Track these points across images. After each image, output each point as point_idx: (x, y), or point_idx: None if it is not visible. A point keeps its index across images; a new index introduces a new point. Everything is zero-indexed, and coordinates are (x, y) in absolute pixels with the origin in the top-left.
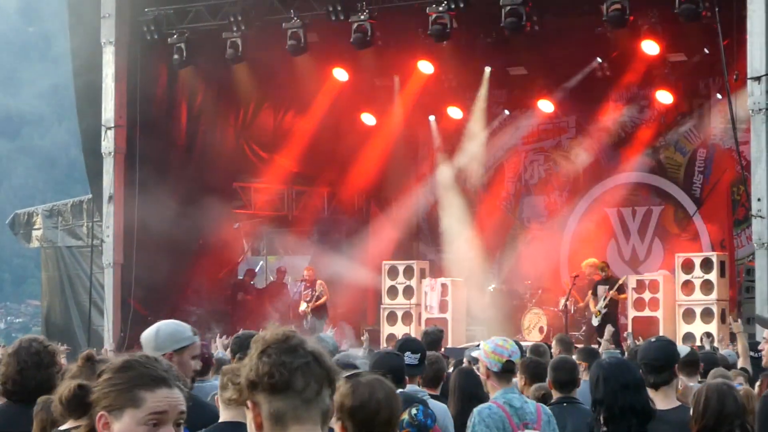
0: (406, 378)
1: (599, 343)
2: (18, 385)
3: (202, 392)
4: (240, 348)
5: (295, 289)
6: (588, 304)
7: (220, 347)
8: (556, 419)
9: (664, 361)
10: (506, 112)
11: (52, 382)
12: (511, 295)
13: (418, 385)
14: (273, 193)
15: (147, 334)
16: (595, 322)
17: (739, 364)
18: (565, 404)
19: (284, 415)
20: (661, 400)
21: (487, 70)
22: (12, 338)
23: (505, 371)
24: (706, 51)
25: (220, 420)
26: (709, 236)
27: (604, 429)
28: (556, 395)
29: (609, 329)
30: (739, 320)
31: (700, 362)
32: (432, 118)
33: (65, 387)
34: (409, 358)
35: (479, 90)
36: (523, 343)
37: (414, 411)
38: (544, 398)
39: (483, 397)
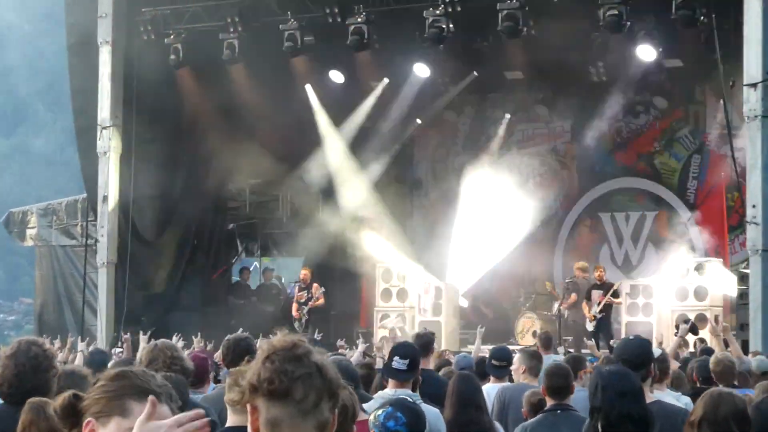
0: (388, 382)
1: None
2: (14, 388)
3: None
4: (229, 352)
5: (288, 290)
6: (577, 302)
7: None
8: (550, 427)
9: (643, 358)
10: (507, 115)
11: (49, 385)
12: (503, 298)
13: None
14: (268, 195)
15: None
16: (589, 327)
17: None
18: (559, 411)
19: (280, 423)
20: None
21: (473, 75)
22: (4, 336)
23: None
24: (703, 57)
25: (227, 425)
26: (703, 242)
27: None
28: (549, 402)
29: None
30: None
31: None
32: (418, 121)
33: (60, 397)
34: (397, 363)
35: (467, 95)
36: (516, 347)
37: (379, 412)
38: (539, 404)
39: (481, 404)
